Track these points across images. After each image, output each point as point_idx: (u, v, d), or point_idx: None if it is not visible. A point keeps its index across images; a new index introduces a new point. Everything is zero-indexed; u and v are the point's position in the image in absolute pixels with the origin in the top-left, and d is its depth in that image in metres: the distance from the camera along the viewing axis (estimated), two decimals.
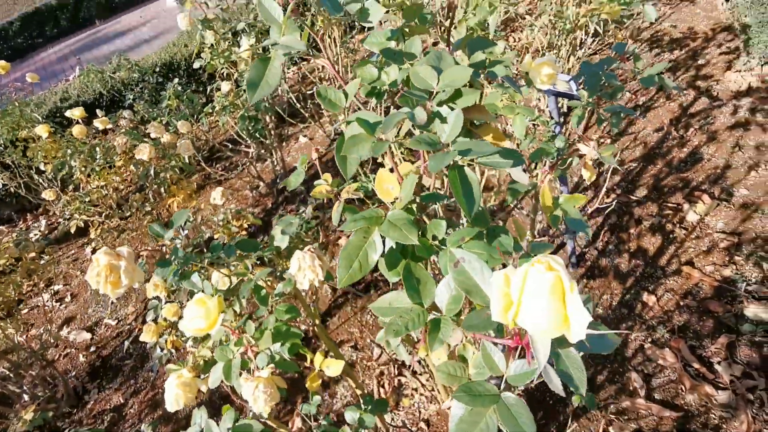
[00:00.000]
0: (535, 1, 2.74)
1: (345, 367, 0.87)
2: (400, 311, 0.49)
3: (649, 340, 1.65)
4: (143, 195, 1.96)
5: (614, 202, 2.09)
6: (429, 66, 0.48)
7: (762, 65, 2.46)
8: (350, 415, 0.88)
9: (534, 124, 1.66)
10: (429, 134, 0.46)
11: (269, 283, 0.83)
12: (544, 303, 0.35)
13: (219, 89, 2.46)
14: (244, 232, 1.83)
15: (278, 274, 0.83)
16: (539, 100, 2.55)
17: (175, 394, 0.76)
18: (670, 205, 2.07)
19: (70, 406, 2.02)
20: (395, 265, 0.53)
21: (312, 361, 0.88)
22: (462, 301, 0.45)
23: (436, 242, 0.53)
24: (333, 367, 0.85)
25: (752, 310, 1.62)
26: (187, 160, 1.83)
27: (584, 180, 0.89)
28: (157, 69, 3.55)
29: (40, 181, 3.00)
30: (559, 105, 1.90)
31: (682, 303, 1.72)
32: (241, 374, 0.73)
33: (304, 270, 0.72)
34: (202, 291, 0.74)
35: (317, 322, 0.89)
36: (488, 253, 0.46)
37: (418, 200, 0.55)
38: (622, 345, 1.67)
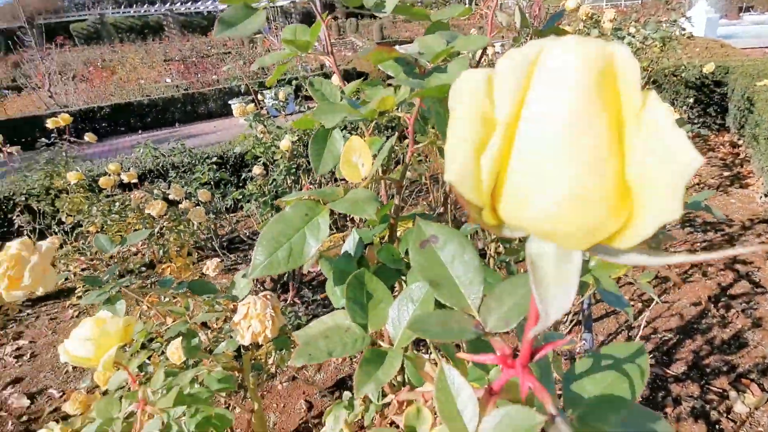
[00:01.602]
0: None
1: None
2: (329, 331, 0.32)
3: None
4: (141, 256, 1.88)
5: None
6: (438, 36, 0.42)
7: None
8: None
9: None
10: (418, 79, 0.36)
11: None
12: (573, 125, 0.13)
13: (252, 178, 2.54)
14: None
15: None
16: None
17: None
18: (713, 389, 1.77)
19: None
20: (346, 279, 0.37)
21: None
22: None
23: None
24: None
25: None
26: (196, 227, 1.78)
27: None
28: (206, 158, 3.80)
29: (56, 231, 3.01)
30: None
31: None
32: None
33: (251, 319, 0.56)
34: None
35: (256, 407, 0.69)
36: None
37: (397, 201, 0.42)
38: None
